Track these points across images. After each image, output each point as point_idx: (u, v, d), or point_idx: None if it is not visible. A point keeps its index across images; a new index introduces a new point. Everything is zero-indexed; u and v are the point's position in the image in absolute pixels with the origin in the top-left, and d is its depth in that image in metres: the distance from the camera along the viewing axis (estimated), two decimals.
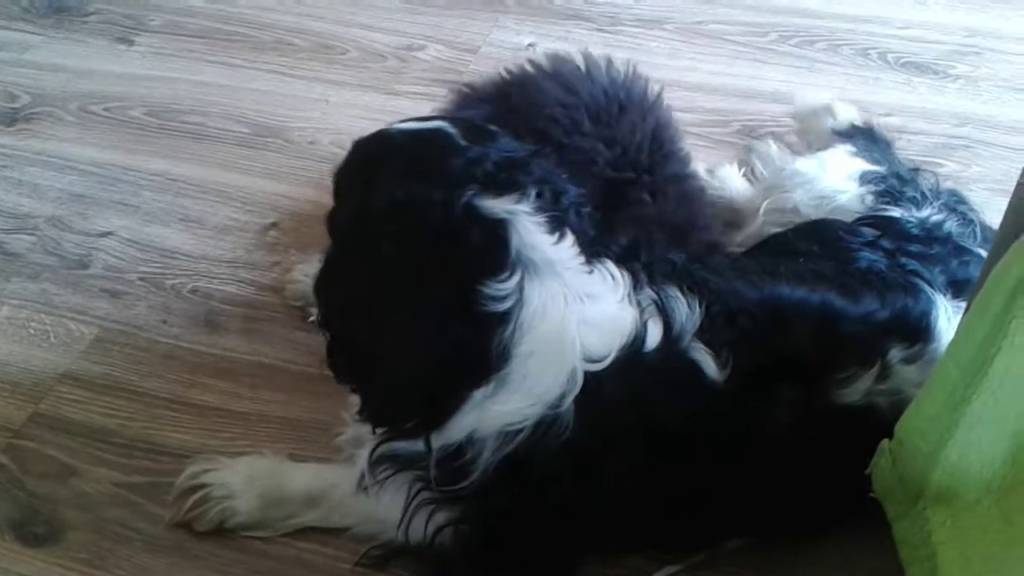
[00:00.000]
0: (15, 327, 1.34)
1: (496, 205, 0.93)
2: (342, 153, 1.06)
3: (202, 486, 1.10)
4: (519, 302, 0.91)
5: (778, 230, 1.28)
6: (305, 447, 1.16)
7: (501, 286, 0.91)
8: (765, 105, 1.72)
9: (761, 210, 1.33)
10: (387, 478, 1.02)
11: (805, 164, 1.37)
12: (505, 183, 0.94)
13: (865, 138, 1.47)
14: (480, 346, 0.91)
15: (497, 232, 0.92)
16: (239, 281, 1.40)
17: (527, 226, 0.93)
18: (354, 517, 1.08)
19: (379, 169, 0.97)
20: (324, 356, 1.02)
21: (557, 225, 0.96)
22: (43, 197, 1.55)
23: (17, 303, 1.37)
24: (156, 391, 1.25)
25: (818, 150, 1.46)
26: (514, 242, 0.92)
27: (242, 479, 1.10)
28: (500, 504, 0.98)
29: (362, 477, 1.03)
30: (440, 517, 1.01)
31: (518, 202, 0.93)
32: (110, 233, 1.48)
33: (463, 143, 0.96)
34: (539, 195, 0.95)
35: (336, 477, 1.09)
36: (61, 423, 1.21)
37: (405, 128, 1.00)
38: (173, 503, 1.11)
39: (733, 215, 1.42)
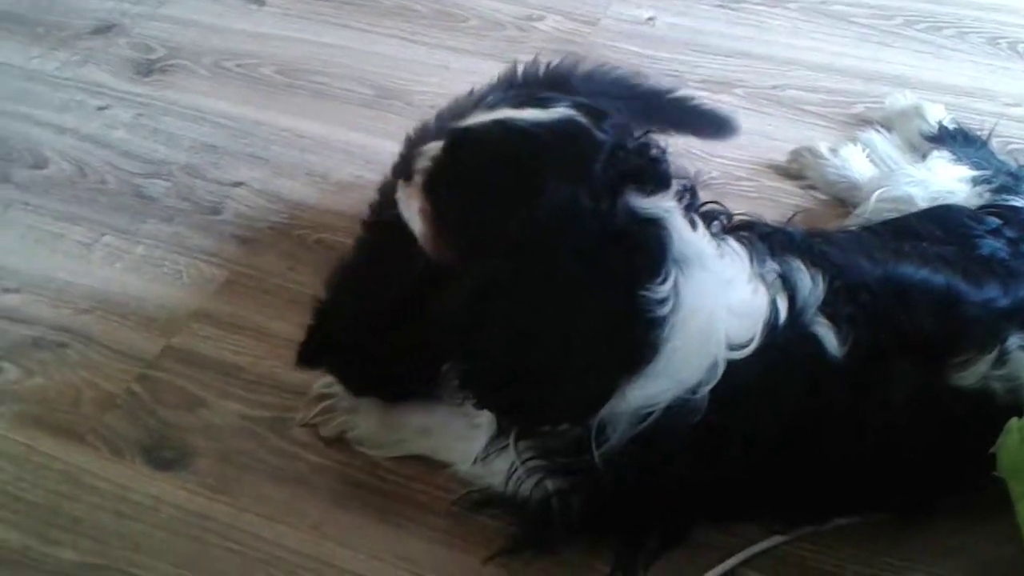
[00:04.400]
0: (150, 265, 1.41)
1: (652, 205, 0.92)
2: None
3: (332, 395, 1.17)
4: (676, 304, 0.91)
5: (893, 216, 1.28)
6: None
7: (661, 289, 0.90)
8: (888, 89, 1.68)
9: (874, 197, 1.33)
10: (504, 447, 1.04)
11: (914, 169, 1.37)
12: (651, 177, 0.94)
13: (958, 140, 1.46)
14: (640, 347, 0.91)
15: (657, 234, 0.91)
16: None
17: (680, 222, 0.94)
18: (458, 456, 1.11)
19: (532, 175, 0.91)
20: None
21: (688, 211, 0.97)
22: (177, 146, 1.62)
23: (152, 243, 1.45)
24: (282, 333, 1.30)
25: (911, 154, 1.47)
26: (673, 242, 0.91)
27: (368, 398, 1.15)
28: (620, 479, 0.99)
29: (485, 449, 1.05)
30: (549, 484, 1.03)
31: (668, 198, 0.94)
32: (241, 183, 1.55)
33: (599, 134, 0.94)
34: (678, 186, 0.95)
35: (449, 415, 1.11)
36: (192, 357, 1.28)
37: (537, 121, 0.94)
38: (305, 405, 1.18)
39: (852, 195, 1.42)
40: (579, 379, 0.92)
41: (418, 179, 1.01)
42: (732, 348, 0.94)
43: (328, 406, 1.17)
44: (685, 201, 0.97)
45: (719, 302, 0.94)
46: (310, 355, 1.14)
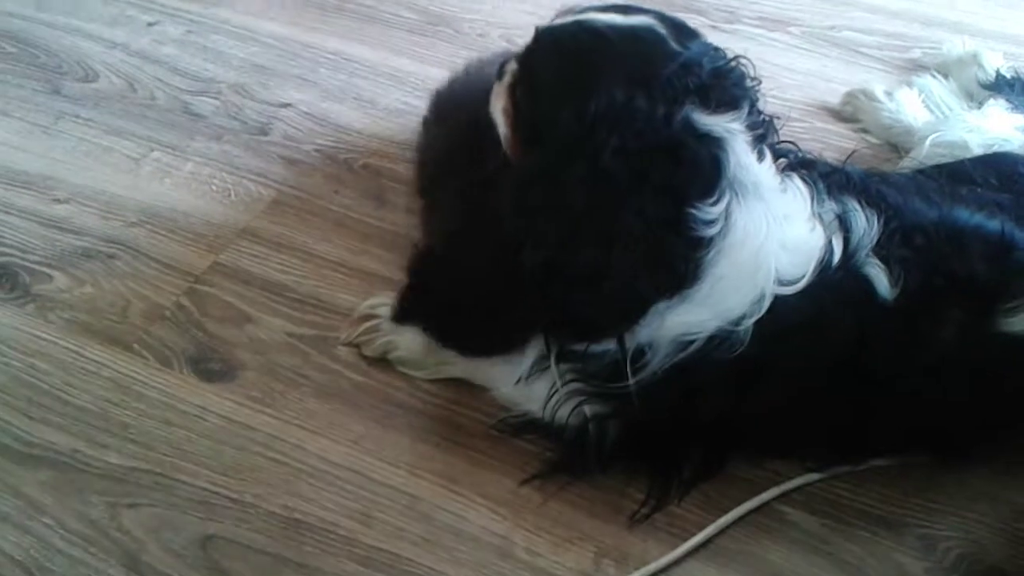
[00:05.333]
0: (199, 182, 1.43)
1: (714, 122, 0.92)
2: (511, 48, 1.07)
3: (376, 316, 1.18)
4: (725, 228, 0.91)
5: (947, 161, 1.26)
6: None
7: (711, 210, 0.90)
8: (946, 35, 1.65)
9: (928, 142, 1.31)
10: (545, 369, 1.05)
11: (970, 115, 1.35)
12: (720, 97, 0.93)
13: (1015, 89, 1.43)
14: (681, 265, 0.92)
15: (713, 152, 0.91)
16: (406, 162, 1.44)
17: (741, 146, 0.93)
18: (499, 379, 1.12)
19: (594, 72, 0.93)
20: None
21: (759, 141, 0.96)
22: (227, 64, 1.63)
23: (201, 160, 1.46)
24: (327, 254, 1.31)
25: (967, 101, 1.45)
26: (729, 163, 0.91)
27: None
28: (658, 406, 1.01)
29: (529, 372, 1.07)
30: (587, 409, 1.04)
31: (734, 120, 0.93)
32: (289, 105, 1.55)
33: (675, 46, 0.94)
34: (749, 111, 0.95)
35: None
36: (239, 274, 1.29)
37: (613, 24, 0.96)
38: (349, 325, 1.20)
39: (905, 140, 1.41)
40: (614, 280, 0.92)
41: (506, 79, 1.02)
42: (781, 283, 0.94)
43: (372, 327, 1.18)
44: (758, 131, 0.97)
45: (772, 235, 0.94)
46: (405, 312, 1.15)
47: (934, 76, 1.52)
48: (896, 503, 1.06)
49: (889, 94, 1.47)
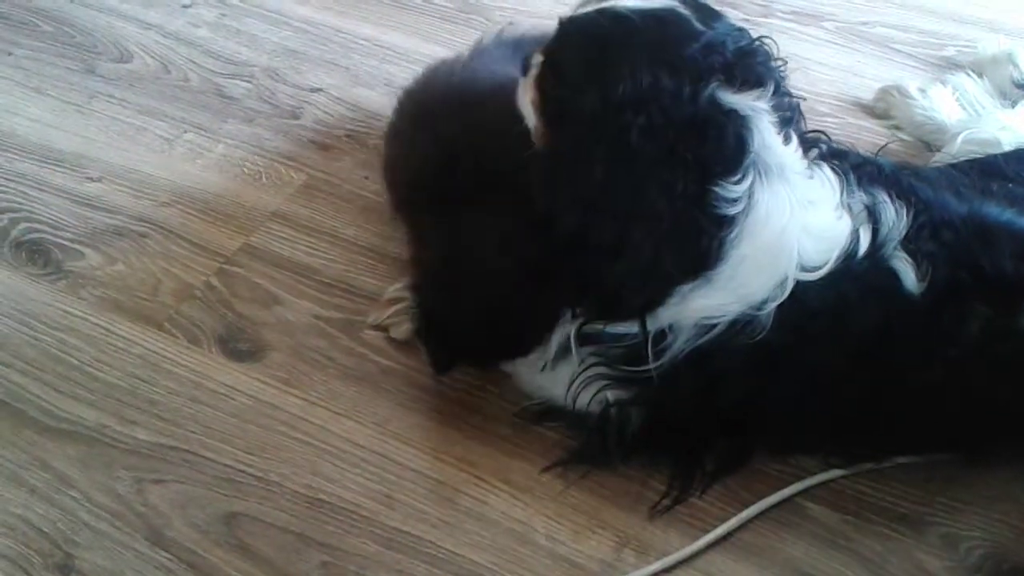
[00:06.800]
0: (230, 164, 1.44)
1: (739, 100, 0.92)
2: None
3: (405, 299, 1.19)
4: (748, 207, 0.92)
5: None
6: None
7: (735, 188, 0.91)
8: (981, 33, 1.64)
9: (960, 138, 1.31)
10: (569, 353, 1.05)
11: (1002, 113, 1.34)
12: (745, 75, 0.93)
13: None
14: (704, 245, 0.92)
15: (738, 130, 0.91)
16: None
17: (766, 125, 0.93)
18: (524, 364, 1.12)
19: (619, 54, 0.93)
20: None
21: (785, 124, 0.96)
22: (259, 48, 1.64)
23: (233, 143, 1.47)
24: (355, 239, 1.32)
25: (1000, 100, 1.43)
26: (754, 142, 0.92)
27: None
28: (679, 392, 1.01)
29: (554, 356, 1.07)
30: (609, 394, 1.05)
31: (759, 98, 0.93)
32: (320, 89, 1.56)
33: (699, 27, 0.94)
34: (774, 91, 0.94)
35: None
36: (269, 256, 1.31)
37: (636, 8, 0.96)
38: (378, 307, 1.21)
39: (937, 138, 1.39)
40: (637, 254, 0.93)
41: (532, 72, 1.03)
42: (804, 269, 0.95)
43: (400, 310, 1.19)
44: (785, 114, 0.96)
45: (795, 219, 0.94)
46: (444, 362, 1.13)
47: (968, 74, 1.51)
48: (918, 501, 1.06)
49: (923, 91, 1.46)
